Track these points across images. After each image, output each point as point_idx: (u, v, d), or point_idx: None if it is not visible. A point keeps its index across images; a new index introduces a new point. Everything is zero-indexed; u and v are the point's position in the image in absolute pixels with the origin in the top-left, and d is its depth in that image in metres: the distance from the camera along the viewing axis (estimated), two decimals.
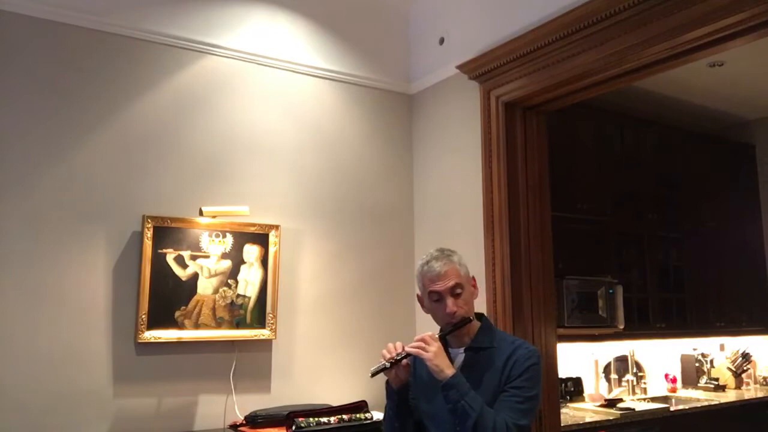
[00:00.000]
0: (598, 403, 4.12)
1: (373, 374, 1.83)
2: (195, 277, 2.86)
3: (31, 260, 2.59)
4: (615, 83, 2.71)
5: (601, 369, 4.58)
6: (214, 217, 2.91)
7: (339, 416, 2.75)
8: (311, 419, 2.69)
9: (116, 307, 2.72)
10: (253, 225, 3.02)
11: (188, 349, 2.85)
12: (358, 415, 2.79)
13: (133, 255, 2.76)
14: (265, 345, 3.04)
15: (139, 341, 2.72)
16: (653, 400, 4.48)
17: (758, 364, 5.32)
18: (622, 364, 4.66)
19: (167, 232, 2.81)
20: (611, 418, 3.78)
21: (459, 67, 3.16)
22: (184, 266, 2.84)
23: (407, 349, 1.81)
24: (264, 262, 3.03)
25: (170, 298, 2.80)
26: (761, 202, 5.25)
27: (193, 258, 2.86)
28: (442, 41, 3.44)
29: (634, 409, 3.95)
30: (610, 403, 4.06)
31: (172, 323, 2.79)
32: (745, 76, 4.44)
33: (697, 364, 5.07)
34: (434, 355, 1.76)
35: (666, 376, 4.89)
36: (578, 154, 4.26)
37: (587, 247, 4.21)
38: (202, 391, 2.87)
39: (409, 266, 3.41)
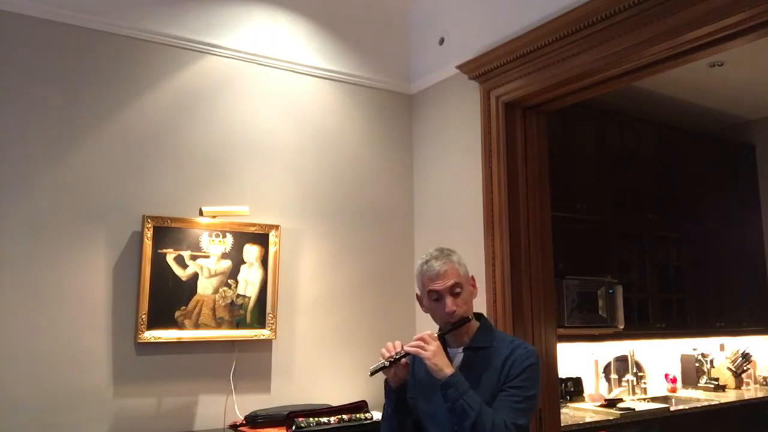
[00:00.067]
0: (598, 403, 4.12)
1: (372, 373, 1.84)
2: (195, 277, 2.86)
3: (31, 260, 2.59)
4: (615, 83, 2.71)
5: (601, 369, 4.58)
6: (214, 217, 2.92)
7: (339, 416, 2.75)
8: (311, 419, 2.69)
9: (116, 307, 2.72)
10: (253, 225, 3.02)
11: (188, 349, 2.85)
12: (358, 415, 2.79)
13: (133, 255, 2.77)
14: (265, 345, 3.04)
15: (139, 341, 2.72)
16: (653, 400, 4.49)
17: (758, 364, 5.32)
18: (622, 364, 4.66)
19: (167, 232, 2.81)
20: (611, 418, 3.79)
21: (459, 67, 3.16)
22: (184, 266, 2.84)
23: (406, 348, 1.82)
24: (264, 262, 3.03)
25: (170, 298, 2.80)
26: (761, 202, 5.25)
27: (193, 258, 2.86)
28: (442, 41, 3.44)
29: (634, 409, 3.96)
30: (610, 403, 4.06)
31: (172, 323, 2.79)
32: (745, 76, 4.45)
33: (697, 364, 5.08)
34: (433, 354, 1.76)
35: (666, 376, 4.89)
36: (578, 154, 4.26)
37: (587, 247, 4.21)
38: (202, 391, 2.87)
39: (409, 266, 3.41)
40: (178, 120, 2.97)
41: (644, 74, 2.62)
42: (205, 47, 3.05)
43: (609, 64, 2.54)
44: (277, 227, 3.06)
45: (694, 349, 5.10)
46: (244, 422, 2.78)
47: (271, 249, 3.04)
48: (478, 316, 1.96)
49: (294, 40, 3.32)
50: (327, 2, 3.44)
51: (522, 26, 2.84)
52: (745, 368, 5.09)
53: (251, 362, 3.00)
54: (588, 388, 4.39)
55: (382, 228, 3.47)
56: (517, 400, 1.78)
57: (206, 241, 2.90)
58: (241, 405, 2.90)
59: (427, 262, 1.89)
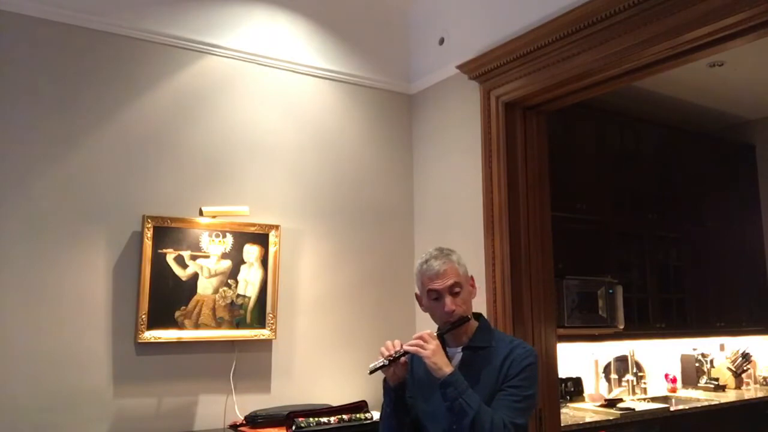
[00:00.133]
0: (598, 403, 4.12)
1: (372, 371, 1.84)
2: (195, 277, 2.86)
3: (31, 260, 2.59)
4: (615, 83, 2.71)
5: (601, 369, 4.58)
6: (214, 217, 2.92)
7: (339, 416, 2.75)
8: (311, 419, 2.69)
9: (116, 307, 2.72)
10: (253, 225, 3.02)
11: (188, 349, 2.85)
12: (358, 415, 2.79)
13: (133, 255, 2.77)
14: (265, 345, 3.04)
15: (139, 341, 2.72)
16: (653, 400, 4.49)
17: (758, 364, 5.32)
18: (622, 364, 4.66)
19: (167, 232, 2.81)
20: (611, 418, 3.79)
21: (459, 67, 3.16)
22: (184, 266, 2.84)
23: (405, 347, 1.82)
24: (264, 262, 3.03)
25: (170, 298, 2.80)
26: (761, 202, 5.25)
27: (193, 258, 2.86)
28: (442, 41, 3.44)
29: (634, 409, 3.96)
30: (610, 403, 4.06)
31: (172, 323, 2.79)
32: (745, 76, 4.45)
33: (697, 364, 5.08)
34: (432, 352, 1.77)
35: (666, 376, 4.90)
36: (578, 154, 4.26)
37: (587, 247, 4.21)
38: (202, 391, 2.87)
39: (408, 266, 3.41)
40: (178, 120, 2.97)
41: (644, 74, 2.62)
42: (205, 47, 3.05)
43: (609, 64, 2.54)
44: (277, 227, 3.06)
45: (694, 349, 5.10)
46: (244, 422, 2.78)
47: (271, 249, 3.04)
48: (477, 316, 1.96)
49: (294, 40, 3.32)
50: (327, 2, 3.44)
51: (522, 26, 2.85)
52: (745, 368, 5.10)
53: (251, 362, 3.00)
54: (588, 388, 4.39)
55: (382, 228, 3.47)
56: (516, 399, 1.78)
57: (206, 241, 2.90)
58: (241, 405, 2.90)
59: (426, 261, 1.89)
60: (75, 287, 2.65)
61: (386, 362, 1.82)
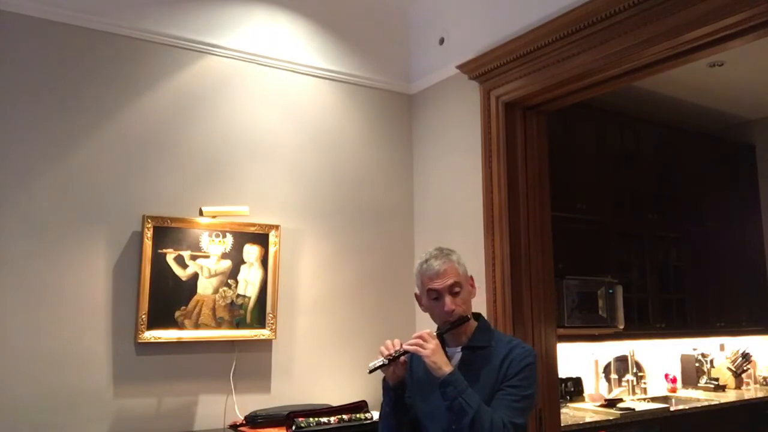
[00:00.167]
0: (598, 403, 4.12)
1: (371, 371, 1.84)
2: (195, 277, 2.86)
3: (31, 260, 2.59)
4: (615, 83, 2.71)
5: (601, 369, 4.58)
6: (214, 217, 2.92)
7: (339, 416, 2.75)
8: (311, 419, 2.69)
9: (116, 307, 2.72)
10: (253, 225, 3.02)
11: (188, 349, 2.85)
12: (358, 415, 2.79)
13: (133, 255, 2.77)
14: (265, 345, 3.04)
15: (139, 341, 2.72)
16: (653, 400, 4.49)
17: (758, 364, 5.32)
18: (622, 364, 4.66)
19: (167, 232, 2.81)
20: (611, 418, 3.79)
21: (459, 67, 3.16)
22: (184, 266, 2.84)
23: (405, 346, 1.82)
24: (264, 262, 3.03)
25: (170, 298, 2.80)
26: (761, 202, 5.25)
27: (193, 258, 2.86)
28: (442, 41, 3.44)
29: (634, 409, 3.96)
30: (610, 403, 4.06)
31: (172, 323, 2.79)
32: (745, 76, 4.44)
33: (697, 364, 5.08)
34: (432, 352, 1.77)
35: (666, 376, 4.89)
36: (578, 154, 4.26)
37: (587, 247, 4.21)
38: (202, 391, 2.87)
39: (408, 266, 3.40)
40: (178, 120, 2.97)
41: (644, 74, 2.62)
42: (205, 47, 3.05)
43: (609, 64, 2.54)
44: (277, 227, 3.06)
45: (694, 349, 5.10)
46: (244, 422, 2.78)
47: (271, 249, 3.04)
48: (477, 316, 1.96)
49: (294, 40, 3.32)
50: (327, 2, 3.44)
51: (522, 26, 2.85)
52: (745, 368, 5.10)
53: (251, 362, 3.00)
54: (588, 388, 4.39)
55: (382, 228, 3.47)
56: (515, 399, 1.78)
57: (206, 241, 2.90)
58: (241, 405, 2.90)
59: (426, 261, 1.90)
60: (75, 287, 2.65)
61: (386, 361, 1.82)
